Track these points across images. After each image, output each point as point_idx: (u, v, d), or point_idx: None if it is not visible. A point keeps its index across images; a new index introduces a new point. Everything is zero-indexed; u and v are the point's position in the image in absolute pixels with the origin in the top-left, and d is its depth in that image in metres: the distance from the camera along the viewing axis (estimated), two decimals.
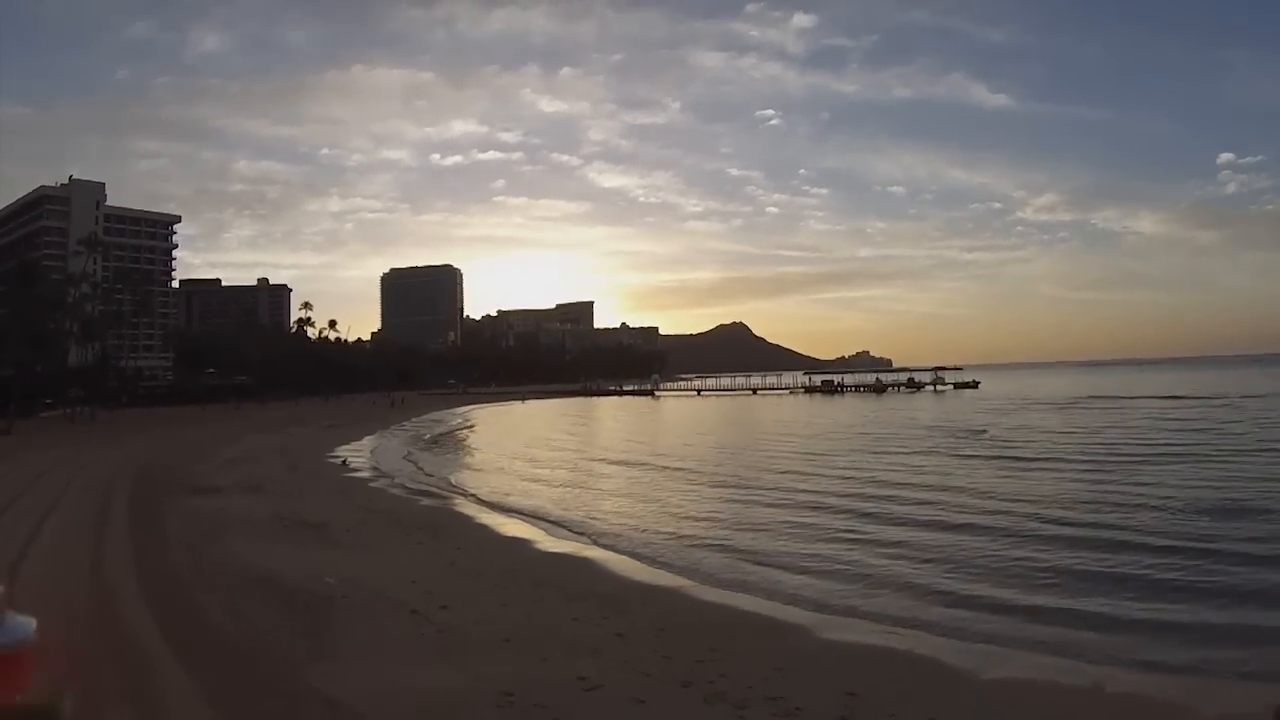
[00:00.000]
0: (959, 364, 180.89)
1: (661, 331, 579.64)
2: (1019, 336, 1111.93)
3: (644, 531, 24.03)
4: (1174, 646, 13.24)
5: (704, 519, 25.92)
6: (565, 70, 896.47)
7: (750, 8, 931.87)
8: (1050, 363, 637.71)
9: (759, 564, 19.48)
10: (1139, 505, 24.58)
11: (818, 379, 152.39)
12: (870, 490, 29.66)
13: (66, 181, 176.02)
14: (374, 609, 14.46)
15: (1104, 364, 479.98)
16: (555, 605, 15.44)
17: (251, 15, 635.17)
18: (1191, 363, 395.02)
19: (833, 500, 27.73)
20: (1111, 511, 23.91)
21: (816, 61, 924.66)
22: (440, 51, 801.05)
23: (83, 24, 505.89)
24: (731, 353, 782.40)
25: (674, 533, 23.73)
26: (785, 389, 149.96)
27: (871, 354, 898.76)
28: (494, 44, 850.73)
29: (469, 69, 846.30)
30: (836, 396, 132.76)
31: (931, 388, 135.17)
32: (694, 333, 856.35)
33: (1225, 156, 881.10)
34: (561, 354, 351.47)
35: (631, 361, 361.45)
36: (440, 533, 23.03)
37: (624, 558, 20.70)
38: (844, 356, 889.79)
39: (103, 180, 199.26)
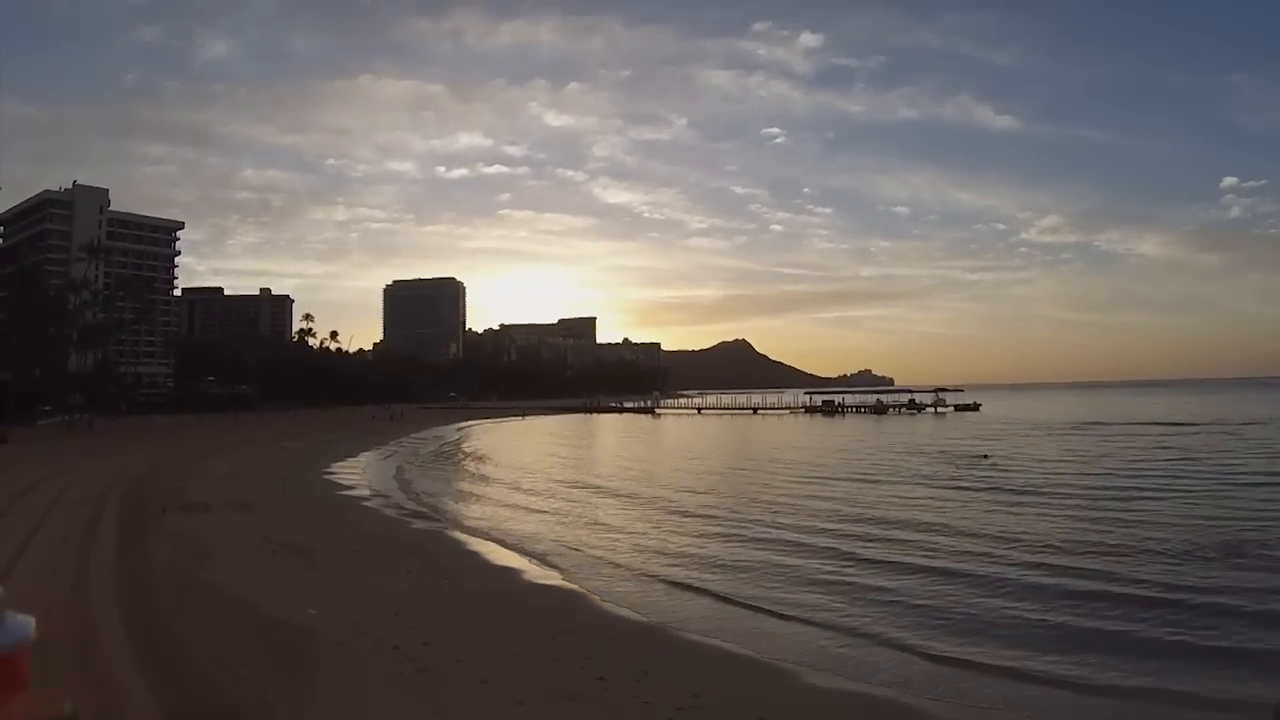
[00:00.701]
0: (961, 384, 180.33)
1: (664, 347, 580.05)
2: (1021, 357, 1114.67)
3: (630, 565, 23.67)
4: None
5: (690, 555, 25.46)
6: (572, 85, 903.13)
7: (758, 26, 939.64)
8: (1052, 383, 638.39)
9: (742, 606, 19.11)
10: (1134, 548, 23.95)
11: (818, 399, 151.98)
12: (861, 529, 28.70)
13: (70, 186, 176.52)
14: (354, 644, 14.25)
15: (1106, 385, 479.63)
16: (538, 643, 15.21)
17: (260, 22, 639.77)
18: (1193, 385, 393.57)
19: (821, 540, 26.95)
20: (1107, 555, 23.25)
21: (823, 81, 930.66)
22: (448, 63, 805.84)
23: (92, 26, 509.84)
24: (734, 369, 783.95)
25: (660, 567, 23.35)
26: (785, 409, 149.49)
27: (874, 373, 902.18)
28: (502, 57, 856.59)
29: (476, 82, 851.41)
30: (837, 417, 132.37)
31: (932, 409, 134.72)
32: (697, 349, 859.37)
33: (1229, 180, 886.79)
34: (563, 369, 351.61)
35: (633, 378, 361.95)
36: (429, 560, 22.77)
37: (608, 591, 20.40)
38: (846, 375, 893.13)
39: (107, 184, 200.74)
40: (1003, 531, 27.34)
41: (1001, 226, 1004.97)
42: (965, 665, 15.14)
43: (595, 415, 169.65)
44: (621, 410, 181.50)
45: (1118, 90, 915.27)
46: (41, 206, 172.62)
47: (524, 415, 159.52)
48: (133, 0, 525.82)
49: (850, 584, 21.05)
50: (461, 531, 29.43)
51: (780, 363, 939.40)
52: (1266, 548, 23.58)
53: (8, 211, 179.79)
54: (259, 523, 26.72)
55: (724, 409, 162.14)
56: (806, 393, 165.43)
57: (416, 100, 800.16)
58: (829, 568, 22.99)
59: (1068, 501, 33.92)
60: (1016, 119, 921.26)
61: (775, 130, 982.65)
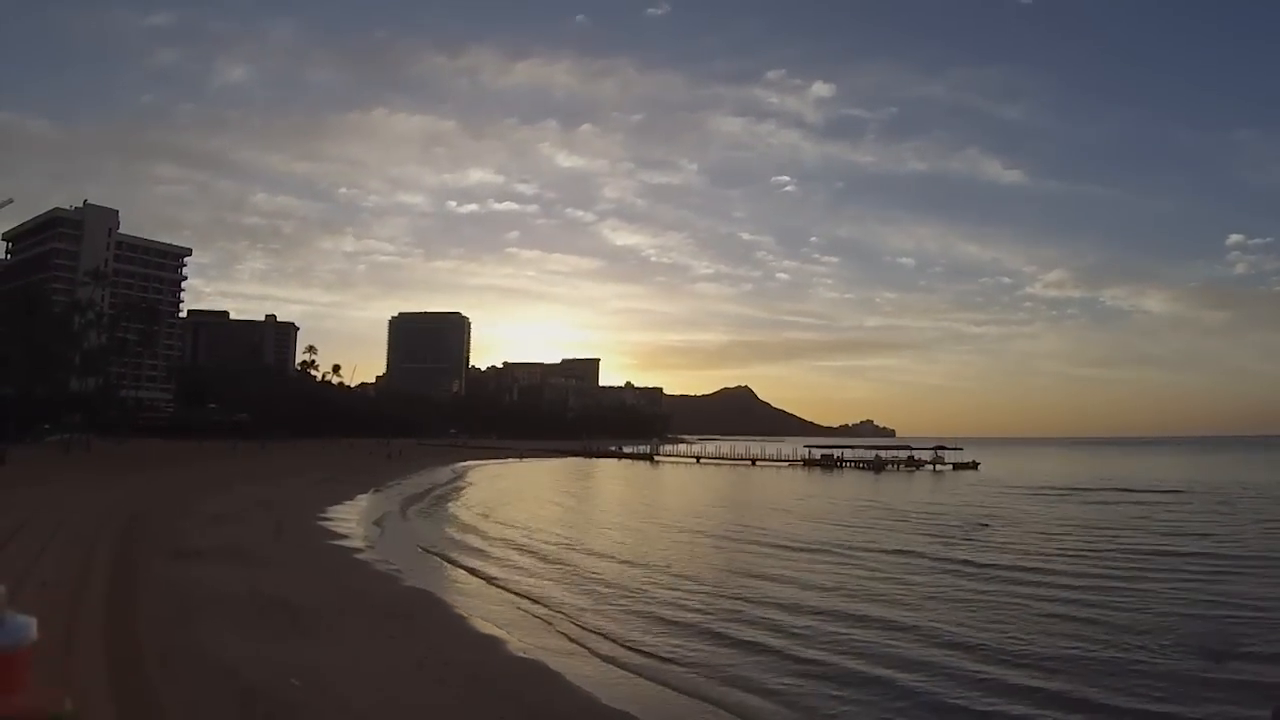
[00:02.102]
0: (962, 435, 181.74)
1: (667, 391, 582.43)
2: (1023, 411, 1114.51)
3: (604, 645, 23.49)
4: None
5: (669, 632, 25.39)
6: (585, 126, 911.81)
7: (771, 75, 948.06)
8: (1054, 438, 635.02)
9: (704, 700, 18.93)
10: (1120, 649, 23.12)
11: (817, 452, 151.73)
12: (837, 613, 27.84)
13: (81, 205, 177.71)
14: (330, 718, 14.42)
15: (1108, 442, 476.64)
16: None
17: (278, 52, 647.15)
18: (1196, 443, 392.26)
19: (800, 625, 26.36)
20: (1092, 662, 21.91)
21: (833, 131, 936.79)
22: (461, 100, 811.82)
23: (111, 47, 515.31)
24: (735, 416, 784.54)
25: (630, 650, 23.14)
26: (784, 461, 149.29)
27: (875, 423, 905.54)
28: (515, 97, 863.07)
29: (489, 119, 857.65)
30: (835, 472, 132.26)
31: (931, 467, 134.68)
32: (699, 394, 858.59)
33: (1234, 237, 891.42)
34: (565, 410, 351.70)
35: (635, 422, 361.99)
36: (414, 624, 22.86)
37: (582, 675, 20.33)
38: (847, 425, 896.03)
39: (118, 203, 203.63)
40: (988, 635, 25.10)
41: (1007, 280, 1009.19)
42: None
43: (594, 460, 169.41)
44: (620, 455, 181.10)
45: (1124, 146, 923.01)
46: (51, 225, 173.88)
47: (521, 457, 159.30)
48: (153, 23, 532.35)
49: (813, 676, 20.94)
50: (450, 589, 29.63)
51: (782, 410, 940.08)
52: (1253, 650, 22.92)
53: (17, 228, 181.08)
54: (248, 574, 26.74)
55: (722, 458, 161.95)
56: (806, 445, 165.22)
57: (429, 135, 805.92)
58: (809, 655, 22.41)
59: (1060, 589, 32.43)
60: (1024, 173, 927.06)
61: (785, 178, 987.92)
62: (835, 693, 19.45)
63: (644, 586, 32.03)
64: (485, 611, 26.43)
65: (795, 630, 25.51)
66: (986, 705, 18.56)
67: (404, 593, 27.79)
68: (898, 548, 43.42)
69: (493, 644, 22.09)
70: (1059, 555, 41.37)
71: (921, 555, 41.06)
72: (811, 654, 22.96)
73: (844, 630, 25.65)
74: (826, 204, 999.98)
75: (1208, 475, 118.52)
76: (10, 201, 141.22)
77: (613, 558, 39.54)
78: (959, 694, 19.28)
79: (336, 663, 17.74)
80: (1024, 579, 34.61)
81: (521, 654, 21.24)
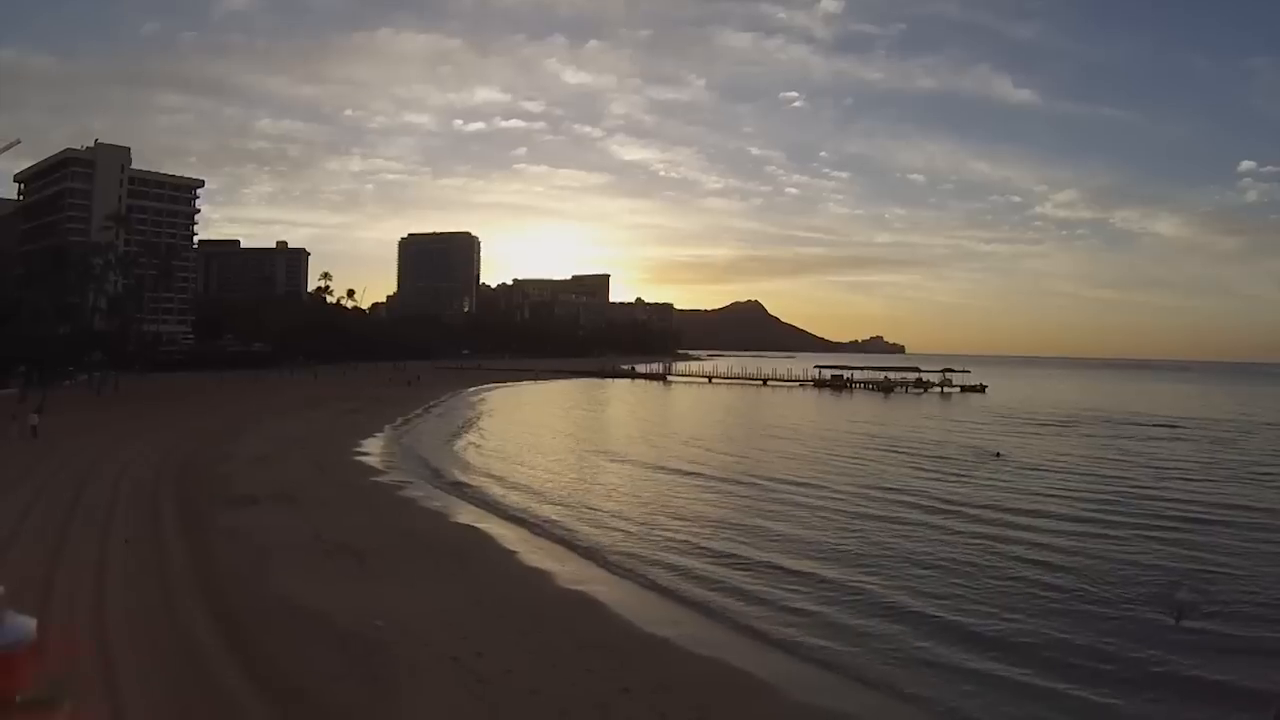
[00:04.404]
0: (971, 353, 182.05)
1: (677, 306, 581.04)
2: (1033, 331, 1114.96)
3: (639, 569, 25.93)
4: None
5: (699, 554, 27.94)
6: (592, 43, 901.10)
7: None
8: (1062, 359, 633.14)
9: (733, 625, 21.31)
10: (1111, 601, 23.81)
11: (827, 373, 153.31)
12: (858, 555, 28.94)
13: (92, 145, 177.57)
14: (420, 656, 16.35)
15: (1116, 365, 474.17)
16: (570, 654, 17.44)
17: None
18: (1205, 369, 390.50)
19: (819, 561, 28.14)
20: (1084, 612, 22.68)
21: (842, 47, 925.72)
22: (467, 18, 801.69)
23: None
24: (746, 331, 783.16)
25: (670, 576, 25.49)
26: (795, 381, 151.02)
27: (884, 340, 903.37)
28: (521, 13, 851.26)
29: (495, 37, 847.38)
30: (844, 394, 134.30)
31: (939, 389, 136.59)
32: (709, 309, 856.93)
33: (1246, 164, 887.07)
34: (576, 328, 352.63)
35: (645, 339, 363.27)
36: (467, 561, 24.84)
37: (625, 597, 22.89)
38: (857, 341, 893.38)
39: (123, 134, 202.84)
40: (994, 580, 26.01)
41: (1017, 199, 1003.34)
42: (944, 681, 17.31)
43: (607, 380, 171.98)
44: (634, 376, 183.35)
45: (1138, 70, 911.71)
46: (63, 165, 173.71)
47: (537, 379, 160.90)
48: None
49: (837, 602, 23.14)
50: (493, 523, 31.61)
51: (792, 325, 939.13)
52: (1222, 608, 23.14)
53: (29, 169, 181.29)
54: (306, 519, 28.67)
55: (734, 379, 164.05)
56: (816, 366, 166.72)
57: (435, 54, 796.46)
58: (834, 576, 24.61)
59: (1056, 530, 33.15)
60: (1035, 93, 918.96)
61: (794, 94, 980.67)
62: (849, 609, 21.67)
63: (665, 522, 34.23)
64: (528, 546, 28.57)
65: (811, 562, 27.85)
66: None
67: (452, 530, 29.77)
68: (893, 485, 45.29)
69: (540, 578, 24.17)
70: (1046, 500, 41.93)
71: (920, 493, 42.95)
72: (830, 574, 25.30)
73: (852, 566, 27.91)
74: (836, 120, 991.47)
75: (1219, 407, 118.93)
76: (18, 142, 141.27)
77: (634, 497, 41.63)
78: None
79: (407, 603, 19.75)
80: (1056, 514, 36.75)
81: (568, 586, 23.37)
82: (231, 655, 15.71)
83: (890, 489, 42.17)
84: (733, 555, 28.14)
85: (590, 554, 28.01)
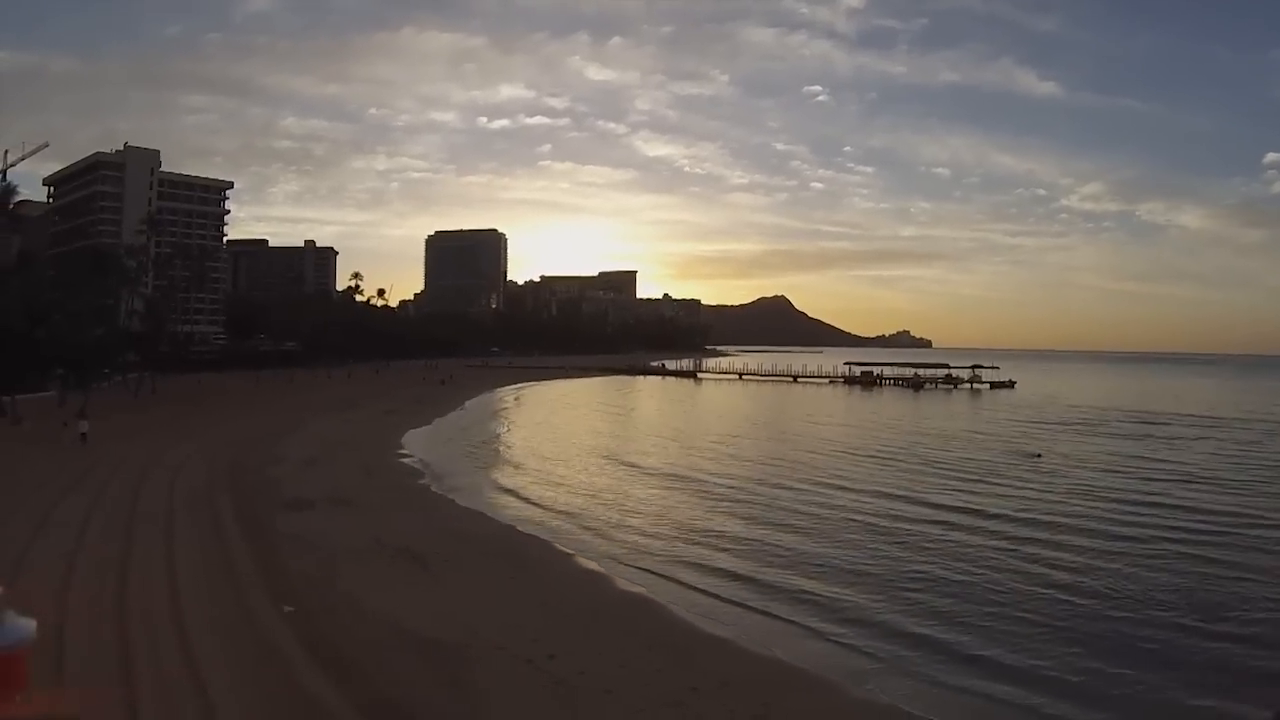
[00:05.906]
0: (998, 347, 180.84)
1: (704, 301, 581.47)
2: (1059, 324, 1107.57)
3: (692, 578, 25.53)
4: None
5: (748, 561, 27.73)
6: (615, 39, 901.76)
7: None
8: (1088, 352, 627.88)
9: (788, 622, 21.55)
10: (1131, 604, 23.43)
11: (857, 369, 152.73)
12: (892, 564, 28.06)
13: (120, 148, 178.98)
14: (495, 659, 16.60)
15: (1143, 358, 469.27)
16: (637, 654, 17.67)
17: None
18: (1232, 362, 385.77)
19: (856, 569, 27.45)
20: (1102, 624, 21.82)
21: (865, 41, 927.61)
22: (490, 16, 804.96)
23: None
24: (772, 325, 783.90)
25: (721, 580, 25.43)
26: (825, 378, 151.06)
27: (911, 334, 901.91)
28: (545, 11, 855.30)
29: (519, 34, 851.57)
30: (874, 390, 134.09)
31: (968, 385, 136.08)
32: (736, 304, 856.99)
33: (1271, 156, 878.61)
34: (604, 325, 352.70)
35: (674, 335, 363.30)
36: (524, 565, 24.98)
37: (681, 598, 23.08)
38: (884, 335, 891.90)
39: (149, 135, 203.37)
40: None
41: (1042, 192, 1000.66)
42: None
43: (638, 378, 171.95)
44: (664, 373, 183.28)
45: (1160, 62, 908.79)
46: (93, 168, 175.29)
47: (569, 377, 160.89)
48: None
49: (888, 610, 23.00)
50: (541, 528, 31.56)
51: (819, 320, 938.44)
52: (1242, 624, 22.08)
53: (58, 172, 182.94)
54: (363, 523, 28.97)
55: (764, 376, 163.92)
56: (846, 362, 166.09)
57: (459, 52, 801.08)
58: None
59: (1082, 540, 31.27)
60: (1059, 85, 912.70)
61: (817, 88, 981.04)
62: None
63: (716, 526, 34.25)
64: (582, 547, 28.68)
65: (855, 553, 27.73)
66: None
67: (505, 532, 30.03)
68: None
69: (599, 579, 24.46)
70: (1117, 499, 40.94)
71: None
72: (861, 564, 25.15)
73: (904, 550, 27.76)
74: (860, 114, 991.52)
75: (1248, 402, 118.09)
76: (45, 145, 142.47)
77: (679, 500, 41.80)
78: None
79: (474, 606, 20.03)
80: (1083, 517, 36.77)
81: (627, 588, 23.59)
82: (316, 665, 15.78)
83: (933, 504, 38.62)
84: (798, 555, 28.21)
85: (643, 555, 28.04)
